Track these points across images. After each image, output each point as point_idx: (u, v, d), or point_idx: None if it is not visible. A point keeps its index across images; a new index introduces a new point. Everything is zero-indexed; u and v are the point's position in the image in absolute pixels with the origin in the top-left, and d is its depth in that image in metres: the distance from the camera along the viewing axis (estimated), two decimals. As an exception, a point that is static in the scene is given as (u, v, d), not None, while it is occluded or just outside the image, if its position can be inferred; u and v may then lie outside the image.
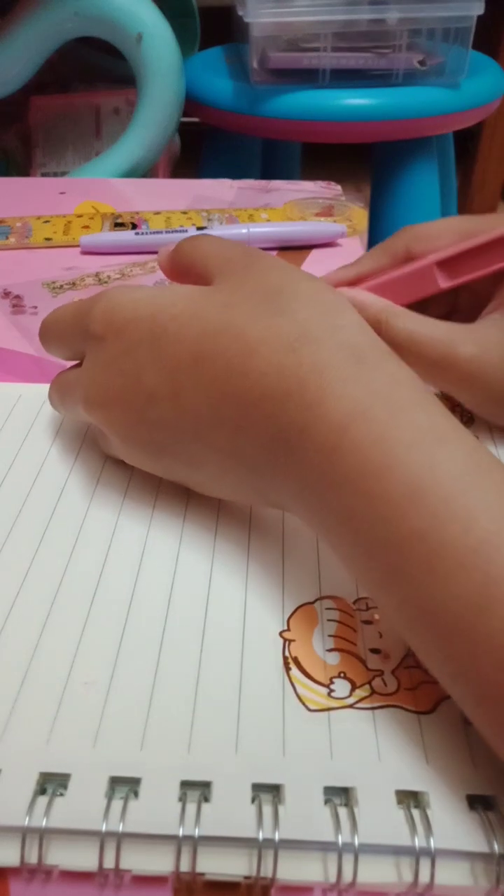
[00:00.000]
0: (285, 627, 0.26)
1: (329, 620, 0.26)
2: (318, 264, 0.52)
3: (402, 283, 0.34)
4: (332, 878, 0.19)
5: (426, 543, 0.20)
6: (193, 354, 0.25)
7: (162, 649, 0.25)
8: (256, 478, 0.26)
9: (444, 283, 0.33)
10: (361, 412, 0.22)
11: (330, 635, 0.25)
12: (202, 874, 0.20)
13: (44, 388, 0.37)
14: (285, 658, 0.25)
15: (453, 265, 0.33)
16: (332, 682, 0.24)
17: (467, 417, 0.35)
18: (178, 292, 0.27)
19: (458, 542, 0.20)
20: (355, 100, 1.04)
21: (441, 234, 0.34)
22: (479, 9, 1.00)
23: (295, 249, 0.54)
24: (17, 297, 0.48)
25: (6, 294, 0.49)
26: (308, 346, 0.24)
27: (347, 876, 0.19)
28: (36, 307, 0.47)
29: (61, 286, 0.50)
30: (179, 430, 0.26)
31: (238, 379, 0.25)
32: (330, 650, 0.25)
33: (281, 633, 0.25)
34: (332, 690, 0.24)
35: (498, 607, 0.19)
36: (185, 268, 0.30)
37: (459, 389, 0.33)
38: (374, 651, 0.25)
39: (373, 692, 0.24)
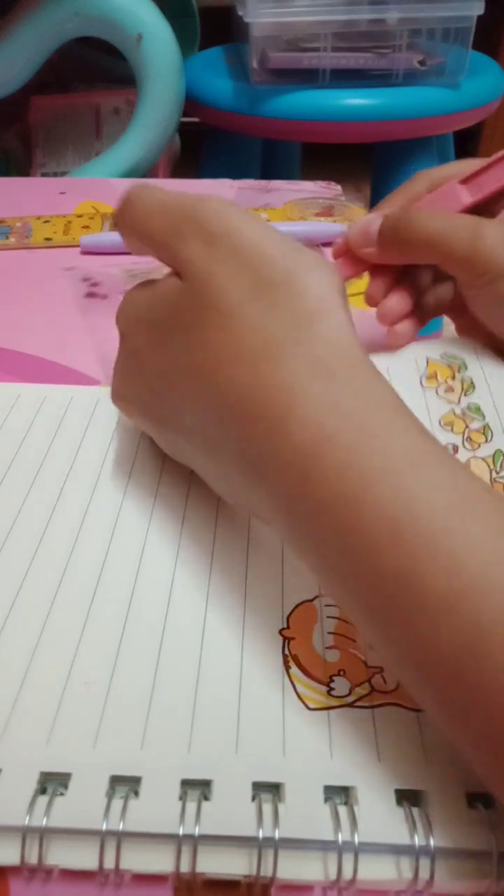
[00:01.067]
0: (285, 625, 0.26)
1: (329, 618, 0.26)
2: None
3: (427, 207, 0.36)
4: (333, 877, 0.19)
5: (408, 586, 0.19)
6: (181, 366, 0.25)
7: (162, 648, 0.25)
8: (236, 492, 0.25)
9: (467, 198, 0.35)
10: (328, 438, 0.21)
11: (330, 633, 0.25)
12: (202, 873, 0.20)
13: (43, 389, 0.37)
14: (285, 656, 0.25)
15: (475, 181, 0.36)
16: (331, 681, 0.24)
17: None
18: (168, 296, 0.26)
19: (443, 586, 0.18)
20: (355, 100, 1.04)
21: (457, 170, 0.37)
22: (479, 9, 1.00)
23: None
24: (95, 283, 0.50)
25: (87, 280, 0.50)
26: (269, 363, 0.22)
27: (347, 874, 0.19)
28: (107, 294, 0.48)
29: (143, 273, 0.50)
30: (177, 429, 0.27)
31: (210, 396, 0.24)
32: (329, 648, 0.25)
33: (281, 632, 0.25)
34: (331, 689, 0.24)
35: (491, 654, 0.18)
36: (137, 239, 0.27)
37: (483, 281, 0.33)
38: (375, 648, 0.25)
39: (372, 690, 0.24)
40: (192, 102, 1.09)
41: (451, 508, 0.19)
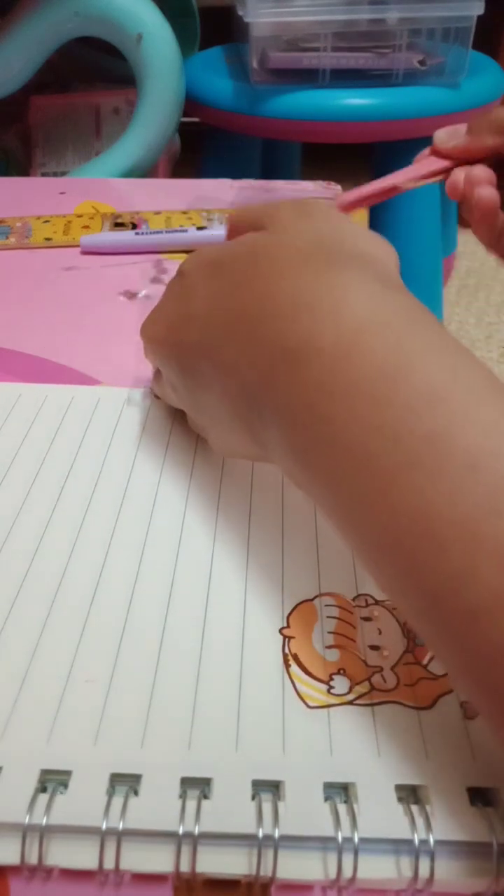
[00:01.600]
0: (285, 624, 0.26)
1: (329, 617, 0.26)
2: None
3: None
4: (333, 875, 0.19)
5: (436, 446, 0.19)
6: (234, 282, 0.26)
7: (162, 647, 0.25)
8: (248, 404, 0.25)
9: None
10: (379, 321, 0.22)
11: (329, 632, 0.25)
12: (202, 873, 0.20)
13: (44, 389, 0.37)
14: (285, 655, 0.25)
15: None
16: (331, 679, 0.24)
17: None
18: (244, 242, 0.28)
19: (475, 443, 0.19)
20: (355, 100, 1.04)
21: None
22: (479, 9, 1.00)
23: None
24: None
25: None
26: (328, 269, 0.24)
27: (347, 872, 0.19)
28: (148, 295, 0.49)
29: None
30: (199, 349, 0.27)
31: (259, 300, 0.25)
32: (329, 647, 0.25)
33: (281, 630, 0.25)
34: (331, 687, 0.24)
35: None
36: (234, 223, 0.31)
37: None
38: (374, 648, 0.25)
39: (372, 689, 0.24)
40: (192, 102, 1.09)
41: (491, 387, 0.20)
